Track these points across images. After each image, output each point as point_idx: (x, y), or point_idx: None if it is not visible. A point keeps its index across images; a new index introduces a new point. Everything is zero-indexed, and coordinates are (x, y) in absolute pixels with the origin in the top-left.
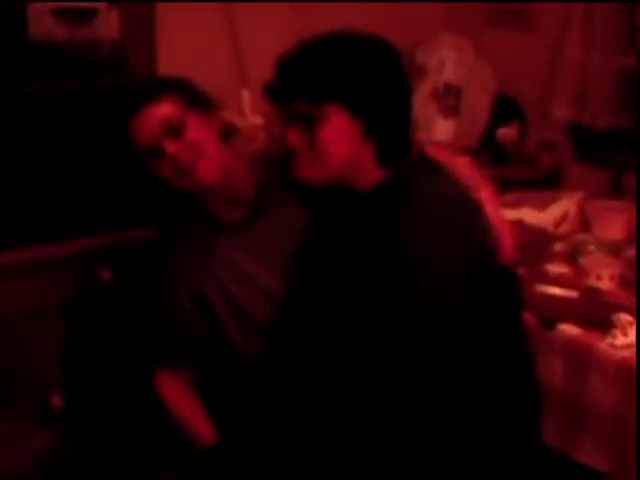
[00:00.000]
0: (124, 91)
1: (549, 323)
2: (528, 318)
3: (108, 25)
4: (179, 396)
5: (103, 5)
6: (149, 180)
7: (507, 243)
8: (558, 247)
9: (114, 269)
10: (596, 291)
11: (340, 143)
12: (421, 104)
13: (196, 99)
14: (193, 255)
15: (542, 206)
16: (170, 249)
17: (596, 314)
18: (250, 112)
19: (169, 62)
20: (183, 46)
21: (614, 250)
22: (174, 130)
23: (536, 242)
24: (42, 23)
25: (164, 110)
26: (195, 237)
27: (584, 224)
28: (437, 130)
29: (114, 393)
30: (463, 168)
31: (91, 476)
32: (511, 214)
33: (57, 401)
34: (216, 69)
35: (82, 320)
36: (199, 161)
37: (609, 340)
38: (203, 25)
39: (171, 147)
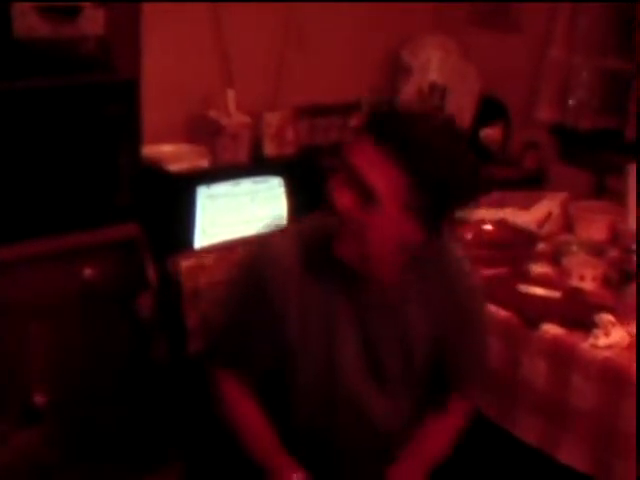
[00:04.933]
0: (109, 88)
1: (532, 323)
2: (511, 318)
3: (93, 22)
4: (237, 395)
5: (88, 2)
6: (131, 176)
7: None
8: (541, 247)
9: (97, 267)
10: (579, 291)
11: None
12: (406, 104)
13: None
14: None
15: (525, 206)
16: (281, 262)
17: (579, 314)
18: (235, 110)
19: (154, 60)
20: (168, 44)
21: (597, 251)
22: (368, 198)
23: (519, 242)
24: (26, 20)
25: (384, 177)
26: (316, 266)
27: (567, 224)
28: None
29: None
30: None
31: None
32: (494, 214)
33: (40, 399)
34: (201, 67)
35: (67, 319)
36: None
37: (591, 340)
38: (188, 22)
39: (345, 200)
